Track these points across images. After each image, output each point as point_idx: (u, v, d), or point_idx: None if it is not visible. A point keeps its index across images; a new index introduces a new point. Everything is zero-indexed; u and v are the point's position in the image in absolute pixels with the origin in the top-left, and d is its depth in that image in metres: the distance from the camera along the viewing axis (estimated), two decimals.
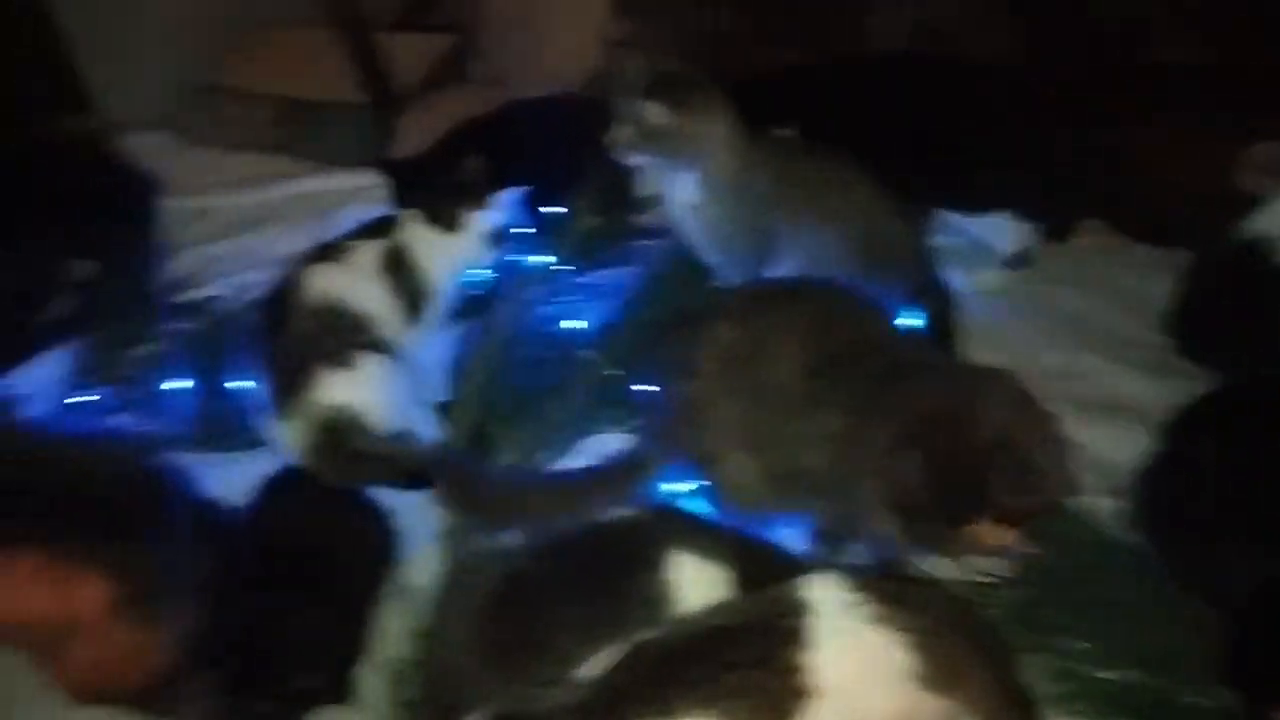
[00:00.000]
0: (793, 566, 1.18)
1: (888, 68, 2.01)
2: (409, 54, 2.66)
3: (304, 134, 2.79)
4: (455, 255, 1.62)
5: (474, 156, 1.64)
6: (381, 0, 2.75)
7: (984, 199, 1.85)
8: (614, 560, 1.21)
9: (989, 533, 1.26)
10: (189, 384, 1.71)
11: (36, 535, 1.28)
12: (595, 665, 1.06)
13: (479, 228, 1.61)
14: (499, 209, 1.62)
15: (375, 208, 1.87)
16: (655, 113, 1.47)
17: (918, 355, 1.39)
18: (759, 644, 1.02)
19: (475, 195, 1.62)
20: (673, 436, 1.37)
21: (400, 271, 1.57)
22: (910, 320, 1.61)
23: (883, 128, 1.79)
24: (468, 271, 1.68)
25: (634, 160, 1.52)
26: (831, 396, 1.29)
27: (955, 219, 1.88)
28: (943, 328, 1.64)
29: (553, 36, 2.41)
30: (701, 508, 1.37)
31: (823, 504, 1.36)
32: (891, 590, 1.07)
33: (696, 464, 1.36)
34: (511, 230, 1.64)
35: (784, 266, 1.59)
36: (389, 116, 2.41)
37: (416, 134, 2.35)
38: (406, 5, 3.08)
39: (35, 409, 1.70)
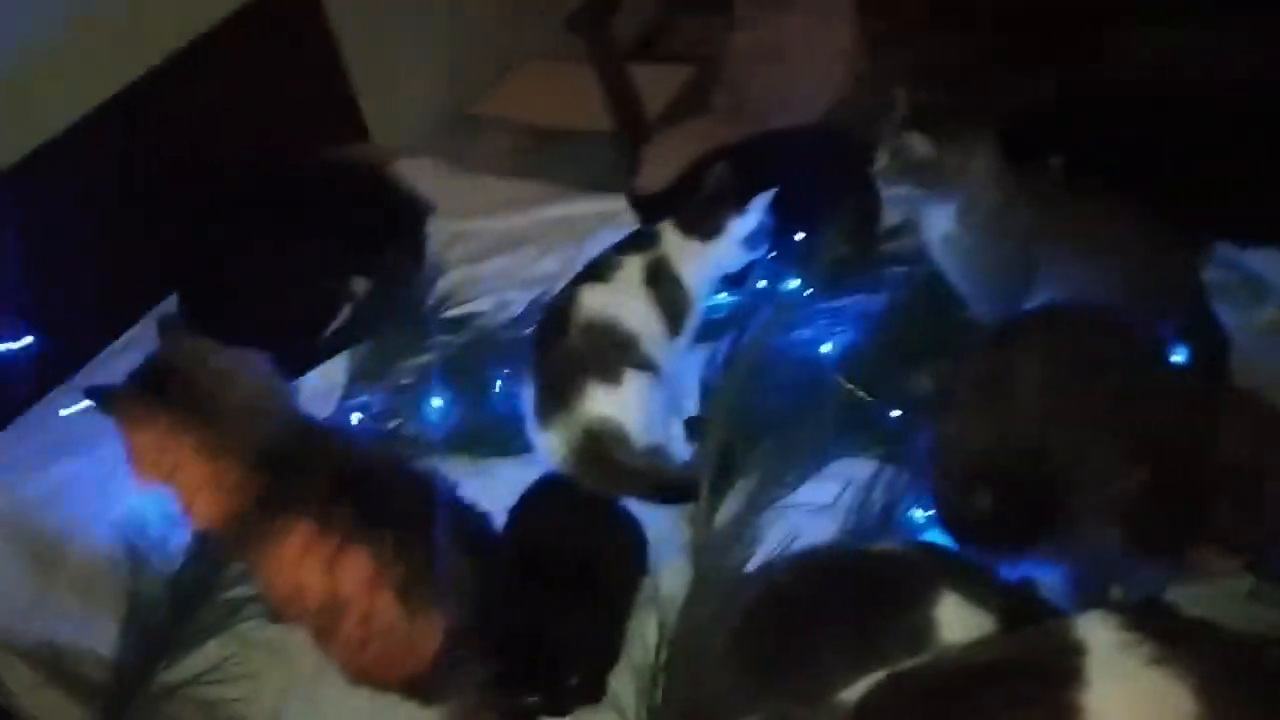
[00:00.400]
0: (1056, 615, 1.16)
1: (1156, 94, 1.93)
2: (650, 84, 2.77)
3: (551, 161, 2.95)
4: (713, 263, 1.65)
5: (719, 164, 1.67)
6: (620, 31, 2.86)
7: (1263, 231, 1.74)
8: (882, 590, 1.21)
9: (1212, 560, 1.20)
10: (453, 393, 1.82)
11: (311, 509, 1.40)
12: (856, 691, 1.07)
13: (736, 233, 1.63)
14: (753, 213, 1.63)
15: (626, 231, 1.95)
16: (918, 144, 1.47)
17: (1168, 375, 1.35)
18: (1031, 682, 1.01)
19: (729, 201, 1.64)
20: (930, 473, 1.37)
21: (662, 284, 1.61)
22: (1176, 359, 1.55)
23: (1153, 157, 1.73)
24: (717, 288, 1.72)
25: (893, 190, 1.53)
26: (1066, 412, 1.26)
27: (1232, 253, 1.78)
28: (1213, 367, 1.56)
29: (799, 67, 2.45)
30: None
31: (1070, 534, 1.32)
32: (1170, 631, 1.03)
33: (953, 499, 1.35)
34: (765, 233, 1.65)
35: (1042, 300, 1.55)
36: (636, 146, 2.51)
37: (660, 163, 2.44)
38: (641, 37, 3.20)
39: (315, 410, 1.86)
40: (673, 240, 1.64)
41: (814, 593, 1.23)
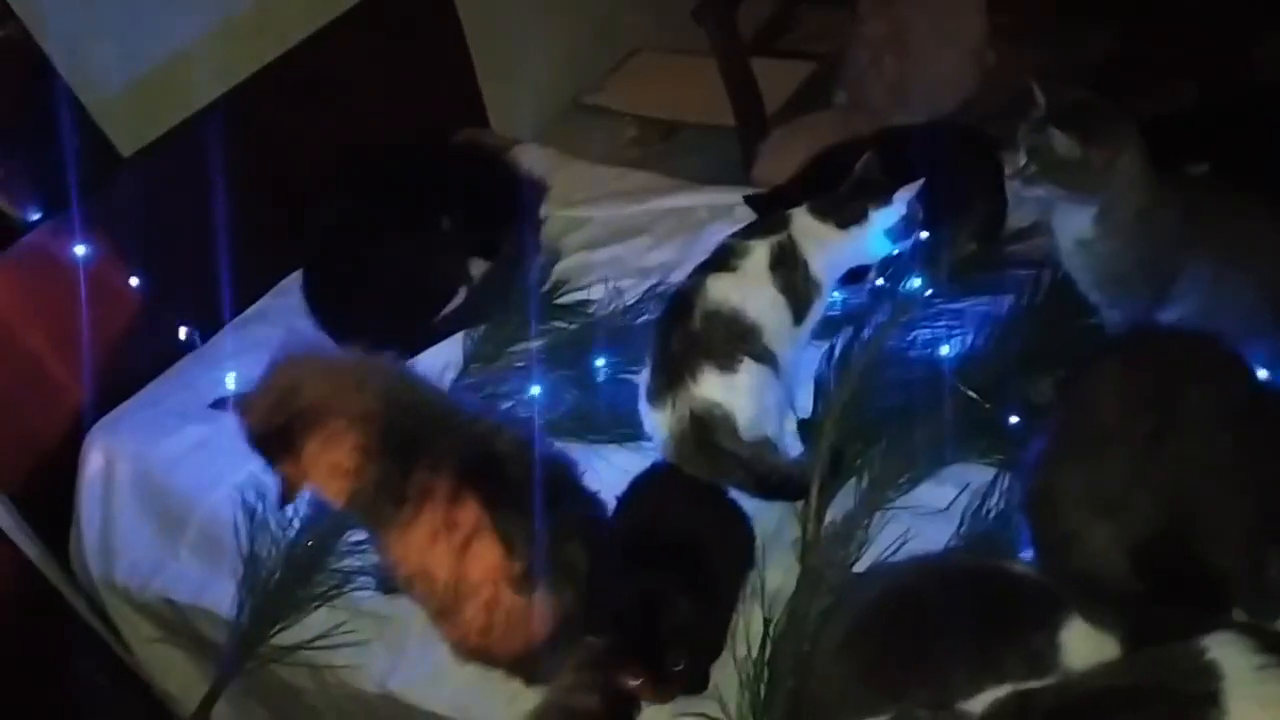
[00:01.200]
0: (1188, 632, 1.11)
1: None
2: (770, 79, 2.75)
3: (664, 152, 2.96)
4: (847, 252, 1.62)
5: (868, 154, 1.63)
6: (741, 25, 2.84)
7: None
8: (1009, 608, 1.17)
9: None
10: (566, 378, 1.83)
11: (438, 497, 1.41)
12: (976, 704, 1.05)
13: (878, 223, 1.59)
14: (898, 204, 1.59)
15: (739, 225, 1.93)
16: (1064, 144, 1.40)
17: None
18: (1165, 708, 0.97)
19: (874, 190, 1.60)
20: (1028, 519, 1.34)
21: (788, 268, 1.58)
22: None
23: None
24: (836, 285, 1.69)
25: (1031, 191, 1.47)
26: (1159, 436, 1.23)
27: None
28: None
29: (924, 62, 2.40)
30: None
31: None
32: None
33: (1056, 548, 1.30)
34: (911, 225, 1.61)
35: (1178, 310, 1.50)
36: (754, 139, 2.49)
37: (777, 157, 2.42)
38: (762, 31, 3.19)
39: None
40: (805, 225, 1.61)
41: (937, 601, 1.20)
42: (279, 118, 2.20)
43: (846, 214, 1.59)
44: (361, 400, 1.47)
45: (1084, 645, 1.14)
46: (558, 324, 1.96)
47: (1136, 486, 1.24)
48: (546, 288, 2.06)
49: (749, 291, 1.55)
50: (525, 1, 2.94)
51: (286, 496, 1.49)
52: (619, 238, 2.21)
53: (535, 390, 1.80)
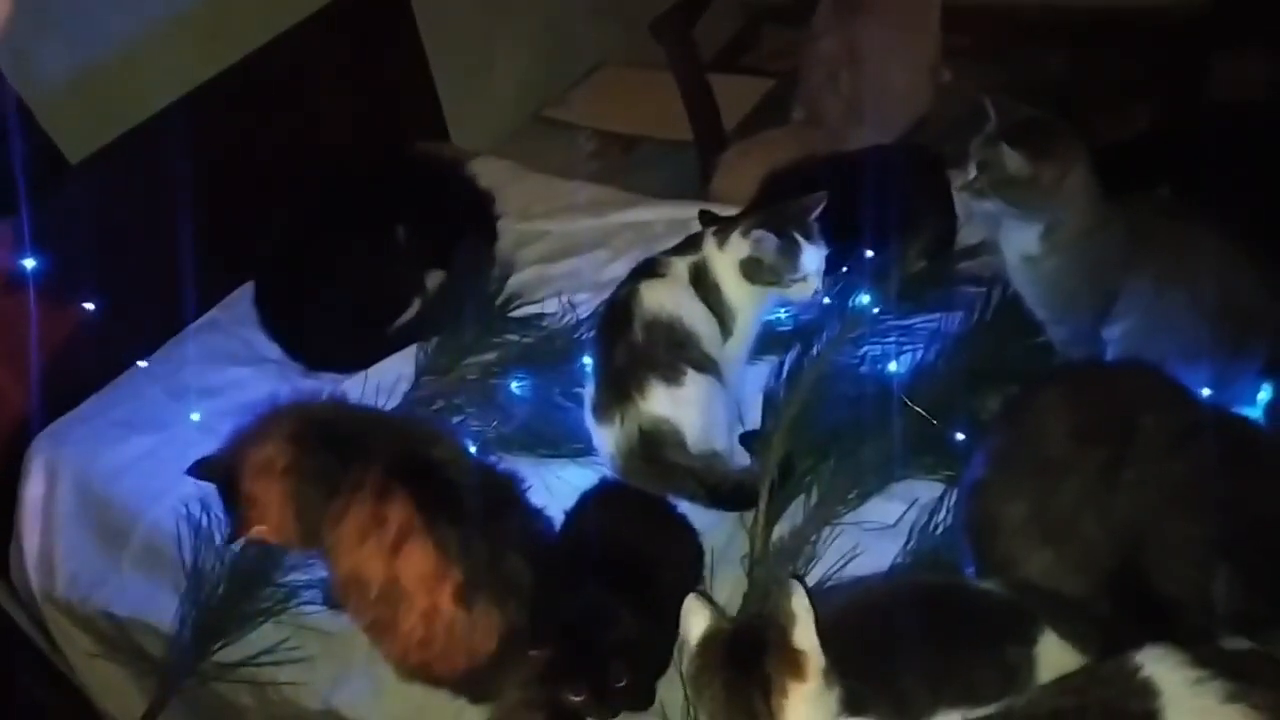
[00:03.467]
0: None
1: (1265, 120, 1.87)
2: (730, 95, 2.76)
3: (624, 166, 2.96)
4: (729, 275, 1.63)
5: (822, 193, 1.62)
6: (704, 42, 2.85)
7: None
8: (978, 621, 1.16)
9: None
10: (519, 391, 1.82)
11: (366, 491, 1.41)
12: None
13: (734, 253, 1.61)
14: (754, 241, 1.60)
15: None
16: (1013, 160, 1.40)
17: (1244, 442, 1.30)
18: None
19: (749, 223, 1.62)
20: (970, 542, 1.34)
21: (704, 288, 1.61)
22: (1261, 394, 1.50)
23: (1261, 185, 1.67)
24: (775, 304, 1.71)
25: (979, 205, 1.48)
26: (1113, 466, 1.23)
27: None
28: None
29: (879, 79, 2.42)
30: None
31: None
32: (1239, 664, 1.01)
33: (996, 573, 1.29)
34: (765, 265, 1.61)
35: (1122, 327, 1.51)
36: (711, 154, 2.50)
37: (734, 172, 2.43)
38: (726, 49, 3.20)
39: (381, 402, 1.87)
40: (709, 246, 1.65)
41: (899, 616, 1.17)
42: (233, 126, 2.17)
43: (721, 235, 1.63)
44: (297, 409, 1.50)
45: (1058, 660, 1.13)
46: (511, 337, 1.95)
47: (1087, 516, 1.25)
48: (501, 300, 2.05)
49: (681, 298, 1.57)
50: (488, 14, 2.94)
51: (235, 533, 1.51)
52: (576, 251, 2.20)
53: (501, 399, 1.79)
